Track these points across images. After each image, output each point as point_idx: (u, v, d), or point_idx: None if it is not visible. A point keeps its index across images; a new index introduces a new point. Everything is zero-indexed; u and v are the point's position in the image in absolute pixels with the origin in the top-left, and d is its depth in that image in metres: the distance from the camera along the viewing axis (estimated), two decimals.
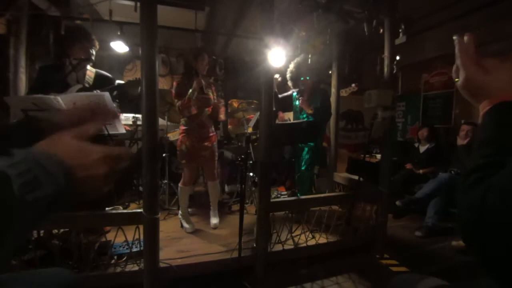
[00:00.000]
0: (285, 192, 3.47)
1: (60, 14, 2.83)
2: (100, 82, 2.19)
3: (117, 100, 2.21)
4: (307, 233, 2.29)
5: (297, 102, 2.89)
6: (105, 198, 2.42)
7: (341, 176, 3.50)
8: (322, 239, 2.26)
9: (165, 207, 2.92)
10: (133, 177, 3.37)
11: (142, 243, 1.62)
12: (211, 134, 2.50)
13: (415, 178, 3.27)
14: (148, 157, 1.49)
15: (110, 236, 1.88)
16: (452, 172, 3.04)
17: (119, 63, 4.19)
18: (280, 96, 2.91)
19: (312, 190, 2.94)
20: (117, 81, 2.55)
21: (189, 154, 2.41)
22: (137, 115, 3.14)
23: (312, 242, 2.22)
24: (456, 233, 2.71)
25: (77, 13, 3.05)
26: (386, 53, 2.25)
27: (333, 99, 3.22)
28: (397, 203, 2.93)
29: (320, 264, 2.13)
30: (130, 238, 1.77)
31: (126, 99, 2.59)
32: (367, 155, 3.49)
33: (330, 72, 3.24)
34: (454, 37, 0.55)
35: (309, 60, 2.84)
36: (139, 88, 1.80)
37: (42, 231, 1.79)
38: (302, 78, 2.76)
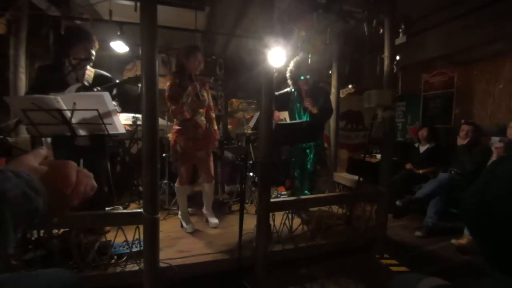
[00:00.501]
0: (285, 192, 3.47)
1: (60, 14, 2.83)
2: (100, 82, 2.19)
3: (116, 99, 2.21)
4: (307, 233, 2.30)
5: (297, 103, 2.88)
6: (105, 198, 2.42)
7: (341, 176, 3.50)
8: (322, 239, 2.26)
9: (165, 207, 2.92)
10: (133, 177, 3.37)
11: (142, 243, 1.62)
12: (206, 134, 2.46)
13: (415, 178, 3.27)
14: (148, 157, 1.49)
15: (110, 236, 1.88)
16: (452, 172, 3.04)
17: (119, 63, 4.20)
18: (276, 93, 2.88)
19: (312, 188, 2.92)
20: (116, 81, 2.55)
21: (184, 154, 2.37)
22: (137, 115, 3.14)
23: (312, 242, 2.23)
24: (456, 232, 2.71)
25: (77, 13, 3.06)
26: (386, 53, 2.25)
27: (333, 99, 3.22)
28: (397, 203, 2.93)
29: (320, 264, 2.13)
30: (130, 238, 1.78)
31: (126, 98, 2.59)
32: (367, 155, 3.50)
33: (330, 72, 3.23)
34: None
35: (309, 59, 2.84)
36: (139, 86, 1.80)
37: (42, 231, 1.79)
38: (302, 78, 2.75)
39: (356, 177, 2.98)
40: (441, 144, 3.54)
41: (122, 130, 1.96)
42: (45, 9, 2.85)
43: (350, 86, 3.12)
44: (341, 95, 3.51)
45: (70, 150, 2.04)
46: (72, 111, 1.71)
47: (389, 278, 2.01)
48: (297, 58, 2.80)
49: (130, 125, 3.16)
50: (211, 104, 2.57)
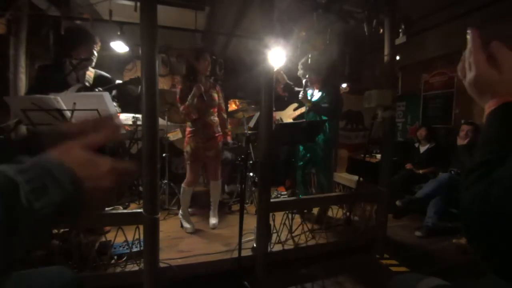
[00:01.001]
0: (285, 192, 3.48)
1: (60, 14, 2.83)
2: (99, 82, 2.19)
3: (116, 100, 2.21)
4: (307, 233, 2.30)
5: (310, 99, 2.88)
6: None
7: (341, 176, 3.51)
8: (322, 239, 2.26)
9: (165, 207, 2.92)
10: (133, 177, 3.37)
11: (142, 243, 1.62)
12: (216, 134, 2.50)
13: (415, 178, 3.27)
14: (148, 157, 1.49)
15: (110, 236, 1.88)
16: (452, 172, 3.03)
17: (119, 63, 4.19)
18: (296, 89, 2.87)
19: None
20: (117, 81, 2.55)
21: (194, 154, 2.42)
22: (137, 115, 3.14)
23: (312, 242, 2.23)
24: (456, 232, 2.71)
25: (77, 13, 3.05)
26: (386, 53, 2.25)
27: None
28: (397, 203, 2.92)
29: (320, 264, 2.13)
30: (130, 238, 1.78)
31: (126, 99, 2.59)
32: (367, 155, 3.50)
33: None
34: (468, 31, 0.55)
35: (309, 59, 2.84)
36: (139, 87, 1.80)
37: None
38: (307, 76, 2.76)
39: (356, 177, 2.98)
40: (441, 144, 3.54)
41: (122, 130, 1.96)
42: (45, 9, 2.85)
43: (345, 85, 3.12)
44: None
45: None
46: (72, 111, 1.71)
47: (389, 278, 2.01)
48: (310, 55, 2.80)
49: (130, 125, 3.15)
50: (222, 105, 2.59)
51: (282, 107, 3.65)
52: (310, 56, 2.79)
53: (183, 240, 2.28)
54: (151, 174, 1.50)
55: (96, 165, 0.43)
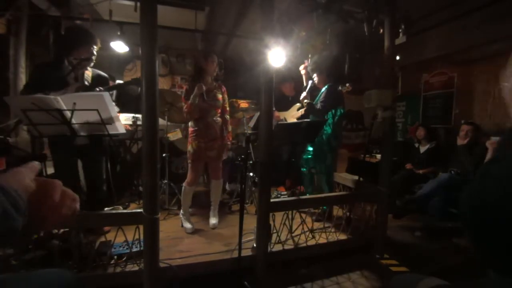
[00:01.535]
0: (285, 192, 3.47)
1: (60, 14, 2.84)
2: (97, 82, 2.19)
3: (115, 101, 2.20)
4: (307, 233, 2.30)
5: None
6: (104, 198, 2.42)
7: (341, 176, 3.51)
8: (322, 239, 2.26)
9: (165, 207, 2.92)
10: (133, 177, 3.37)
11: (142, 243, 1.62)
12: (219, 135, 2.51)
13: (415, 178, 3.27)
14: (148, 157, 1.49)
15: (110, 236, 1.88)
16: (452, 172, 3.04)
17: (119, 63, 4.20)
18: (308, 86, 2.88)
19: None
20: (117, 81, 2.55)
21: (195, 154, 2.43)
22: (137, 115, 3.14)
23: (312, 242, 2.23)
24: (456, 232, 2.72)
25: (77, 13, 3.06)
26: (386, 53, 2.25)
27: None
28: (397, 203, 2.92)
29: (320, 264, 2.13)
30: (130, 238, 1.77)
31: (126, 99, 2.59)
32: (367, 155, 3.50)
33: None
34: None
35: (309, 59, 2.84)
36: (139, 88, 1.81)
37: (40, 232, 1.79)
38: (315, 75, 2.77)
39: (356, 177, 2.98)
40: (441, 144, 3.54)
41: (122, 130, 1.97)
42: (45, 9, 2.85)
43: (347, 84, 3.12)
44: None
45: (69, 150, 2.04)
46: (72, 111, 1.71)
47: (389, 278, 2.01)
48: (317, 55, 2.81)
49: (130, 125, 3.16)
50: (226, 106, 2.61)
51: (286, 107, 3.64)
52: (310, 56, 2.79)
53: (183, 240, 2.29)
54: (151, 174, 1.50)
55: (48, 188, 0.45)
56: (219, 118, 2.53)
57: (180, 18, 3.29)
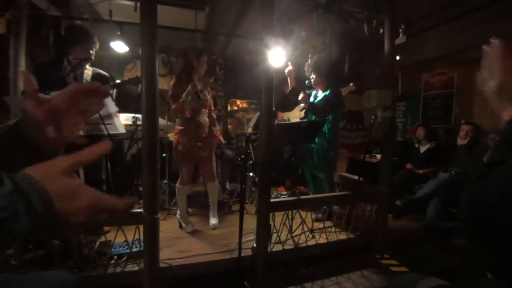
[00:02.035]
0: (285, 192, 3.47)
1: (60, 14, 2.83)
2: (97, 80, 2.19)
3: (114, 100, 2.21)
4: (307, 233, 2.30)
5: (311, 100, 2.88)
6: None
7: (341, 176, 3.50)
8: (322, 239, 2.26)
9: (165, 207, 2.92)
10: (133, 177, 3.37)
11: (142, 243, 1.62)
12: (209, 134, 2.49)
13: (415, 178, 3.27)
14: (148, 157, 1.49)
15: (110, 236, 1.88)
16: (452, 172, 3.04)
17: (119, 63, 4.19)
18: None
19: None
20: (117, 81, 2.55)
21: (187, 154, 2.40)
22: (137, 115, 3.14)
23: (312, 242, 2.23)
24: (456, 232, 2.71)
25: (77, 13, 3.05)
26: (386, 53, 2.25)
27: None
28: (397, 203, 2.92)
29: (320, 264, 2.13)
30: (130, 238, 1.77)
31: (126, 99, 2.59)
32: (367, 155, 3.50)
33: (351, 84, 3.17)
34: (493, 41, 0.56)
35: (310, 59, 2.84)
36: (139, 86, 1.81)
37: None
38: (312, 77, 2.76)
39: (356, 177, 2.98)
40: (441, 144, 3.54)
41: (122, 130, 1.97)
42: (45, 9, 2.85)
43: (351, 84, 3.12)
44: (343, 94, 3.52)
45: (69, 150, 2.03)
46: None
47: (389, 278, 2.02)
48: (314, 56, 2.81)
49: (130, 125, 3.16)
50: (211, 105, 2.60)
51: (290, 108, 3.64)
52: (310, 56, 2.79)
53: (183, 240, 2.28)
54: (151, 174, 1.50)
55: (77, 198, 0.40)
56: (207, 118, 2.52)
57: (180, 18, 3.29)
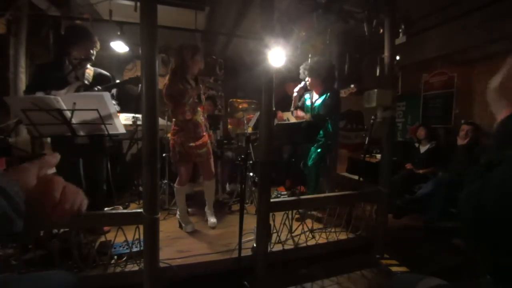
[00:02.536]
0: (285, 192, 3.47)
1: (60, 14, 2.84)
2: (99, 81, 2.20)
3: (115, 98, 2.21)
4: (307, 233, 2.30)
5: (307, 103, 2.88)
6: (104, 198, 2.42)
7: (341, 176, 3.50)
8: (322, 239, 2.26)
9: (165, 207, 2.92)
10: (133, 177, 3.37)
11: (142, 243, 1.62)
12: (204, 133, 2.49)
13: (415, 178, 3.27)
14: (148, 157, 1.49)
15: (110, 236, 1.88)
16: (452, 172, 3.04)
17: (119, 63, 4.19)
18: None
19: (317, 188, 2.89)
20: (117, 81, 2.55)
21: (186, 154, 2.36)
22: (137, 115, 3.14)
23: (312, 242, 2.23)
24: (456, 232, 2.71)
25: (77, 13, 3.06)
26: (386, 53, 2.25)
27: None
28: (397, 203, 2.92)
29: (320, 264, 2.13)
30: (130, 238, 1.77)
31: (126, 99, 2.59)
32: (367, 155, 3.49)
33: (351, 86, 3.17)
34: None
35: (309, 61, 2.84)
36: (139, 86, 1.81)
37: (42, 231, 1.79)
38: (307, 79, 2.76)
39: (356, 177, 2.98)
40: (441, 144, 3.54)
41: (122, 130, 1.97)
42: (45, 9, 2.85)
43: (352, 85, 3.12)
44: (344, 95, 3.52)
45: (69, 150, 2.04)
46: (72, 111, 1.71)
47: (389, 278, 2.01)
48: (315, 59, 2.81)
49: (130, 125, 3.16)
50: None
51: (289, 107, 3.65)
52: (310, 56, 2.79)
53: (183, 240, 2.28)
54: (151, 174, 1.50)
55: (50, 184, 0.44)
56: (202, 117, 2.51)
57: (180, 18, 3.29)
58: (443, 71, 4.19)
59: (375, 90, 2.19)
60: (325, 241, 2.25)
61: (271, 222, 1.98)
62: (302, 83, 2.83)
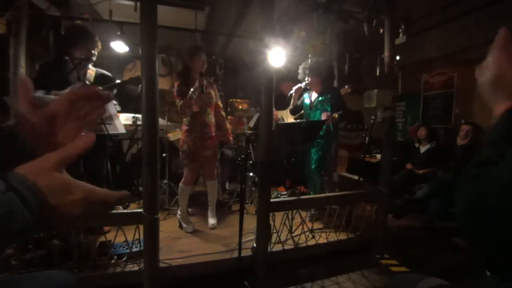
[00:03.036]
0: (285, 192, 3.47)
1: (60, 14, 2.84)
2: (101, 81, 2.20)
3: (116, 98, 2.21)
4: (307, 233, 2.30)
5: (306, 101, 2.88)
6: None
7: (341, 176, 3.50)
8: (322, 239, 2.26)
9: (165, 207, 2.92)
10: (133, 177, 3.37)
11: (142, 243, 1.62)
12: (213, 134, 2.50)
13: (415, 178, 3.27)
14: (148, 157, 1.49)
15: (110, 236, 1.88)
16: (452, 172, 3.03)
17: (119, 63, 4.19)
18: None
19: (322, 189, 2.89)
20: (117, 81, 2.55)
21: (192, 153, 2.40)
22: (137, 115, 3.14)
23: (312, 242, 2.23)
24: (456, 232, 2.71)
25: (77, 13, 3.05)
26: (386, 53, 2.25)
27: None
28: (397, 203, 2.92)
29: (320, 264, 2.13)
30: (130, 238, 1.77)
31: (126, 99, 2.59)
32: (367, 155, 3.50)
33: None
34: (501, 30, 0.53)
35: (309, 60, 2.84)
36: (139, 86, 1.81)
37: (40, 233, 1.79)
38: (307, 79, 2.76)
39: (356, 177, 2.98)
40: (441, 144, 3.54)
41: (122, 130, 1.97)
42: (45, 9, 2.85)
43: (346, 86, 3.12)
44: None
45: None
46: None
47: (389, 278, 2.01)
48: (308, 58, 2.80)
49: (130, 125, 3.16)
50: (220, 103, 2.60)
51: (284, 106, 3.65)
52: (310, 56, 2.79)
53: (183, 240, 2.28)
54: (151, 174, 1.51)
55: (70, 192, 0.40)
56: (213, 118, 2.51)
57: (180, 18, 3.29)
58: (443, 71, 4.19)
59: (375, 90, 2.19)
60: (325, 241, 2.25)
61: (271, 222, 1.98)
62: (302, 83, 2.83)
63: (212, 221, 2.56)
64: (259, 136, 1.85)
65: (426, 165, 3.32)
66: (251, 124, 3.54)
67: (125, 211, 2.37)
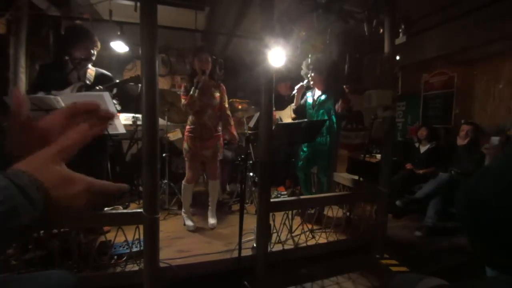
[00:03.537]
0: (285, 192, 3.47)
1: (60, 14, 2.84)
2: (100, 81, 2.20)
3: (116, 98, 2.21)
4: (307, 233, 2.30)
5: (309, 100, 2.88)
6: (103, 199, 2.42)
7: (341, 176, 3.50)
8: (322, 239, 2.26)
9: (165, 207, 2.92)
10: (133, 177, 3.37)
11: (142, 243, 1.62)
12: (214, 135, 2.51)
13: (415, 178, 3.27)
14: (148, 157, 1.49)
15: (110, 236, 1.88)
16: (452, 172, 3.03)
17: (119, 63, 4.19)
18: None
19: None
20: (117, 81, 2.55)
21: (191, 152, 2.46)
22: (137, 115, 3.14)
23: (312, 242, 2.23)
24: (456, 232, 2.72)
25: (77, 13, 3.05)
26: (386, 53, 2.25)
27: None
28: (397, 203, 2.92)
29: (320, 264, 2.13)
30: (130, 238, 1.77)
31: (126, 98, 2.59)
32: (367, 155, 3.50)
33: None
34: None
35: (310, 58, 2.84)
36: (139, 86, 1.81)
37: (42, 231, 1.79)
38: (310, 76, 2.75)
39: (356, 177, 2.98)
40: (441, 144, 3.54)
41: (122, 130, 1.97)
42: (45, 9, 2.85)
43: (344, 86, 3.13)
44: None
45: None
46: None
47: (389, 278, 2.01)
48: (315, 56, 2.80)
49: (130, 125, 3.16)
50: (226, 104, 2.62)
51: (282, 106, 3.64)
52: (310, 55, 2.79)
53: (183, 240, 2.28)
54: (151, 174, 1.50)
55: (71, 184, 0.40)
56: (215, 119, 2.52)
57: (180, 18, 3.29)
58: (443, 71, 4.19)
59: (375, 90, 2.19)
60: (325, 241, 2.25)
61: (271, 222, 1.98)
62: (304, 82, 2.82)
63: (212, 221, 2.56)
64: (259, 136, 1.85)
65: (426, 165, 3.32)
66: (251, 124, 3.54)
67: (125, 211, 2.38)
